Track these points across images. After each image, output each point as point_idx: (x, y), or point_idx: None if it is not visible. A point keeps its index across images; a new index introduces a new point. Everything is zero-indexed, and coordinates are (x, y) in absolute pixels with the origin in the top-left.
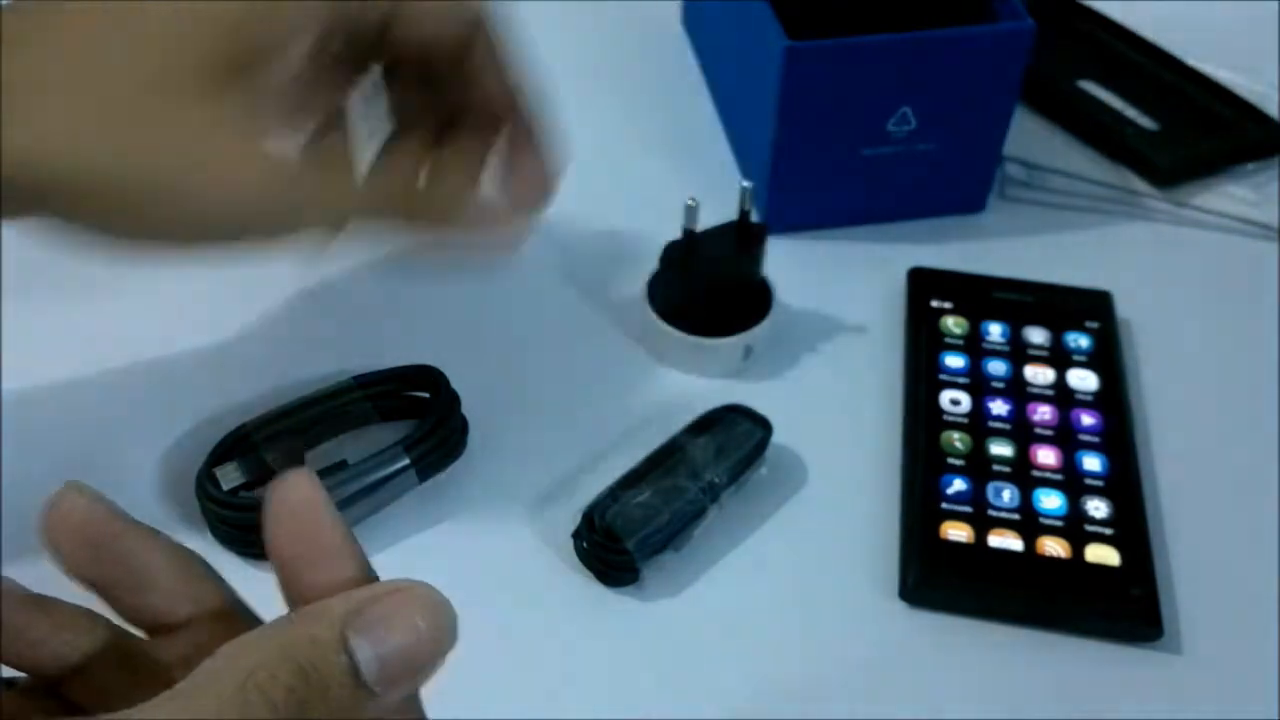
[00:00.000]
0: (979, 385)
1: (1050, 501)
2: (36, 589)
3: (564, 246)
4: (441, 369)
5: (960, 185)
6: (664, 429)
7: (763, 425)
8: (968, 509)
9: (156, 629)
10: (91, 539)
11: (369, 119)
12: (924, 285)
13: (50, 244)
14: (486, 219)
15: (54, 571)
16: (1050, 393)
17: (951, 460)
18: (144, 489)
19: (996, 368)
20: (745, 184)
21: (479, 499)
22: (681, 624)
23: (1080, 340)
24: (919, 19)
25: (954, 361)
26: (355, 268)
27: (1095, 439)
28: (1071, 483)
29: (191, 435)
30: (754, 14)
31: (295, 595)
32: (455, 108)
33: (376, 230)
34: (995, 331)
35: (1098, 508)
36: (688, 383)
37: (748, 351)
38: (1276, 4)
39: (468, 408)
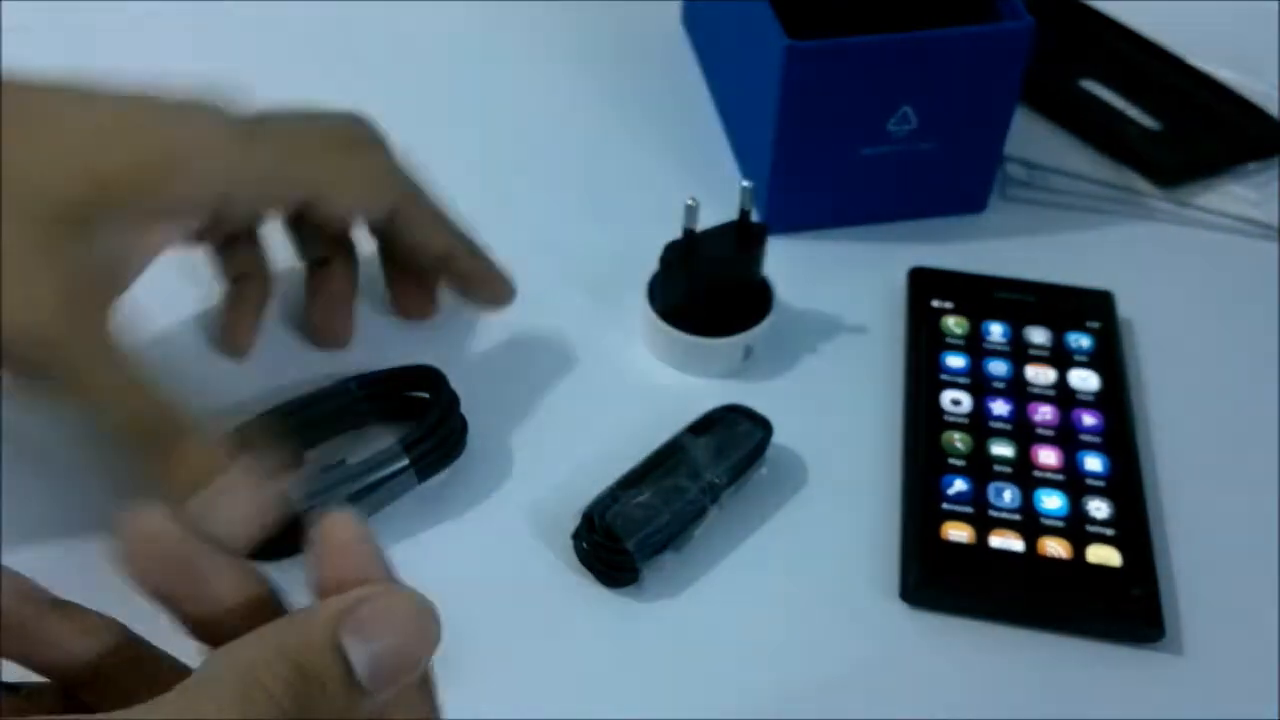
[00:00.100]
0: (980, 385)
1: (1051, 502)
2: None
3: (564, 246)
4: (441, 369)
5: (961, 185)
6: (664, 429)
7: (763, 425)
8: (968, 509)
9: (96, 694)
10: (15, 626)
11: None
12: (925, 285)
13: None
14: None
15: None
16: (1051, 393)
17: (952, 460)
18: None
19: (997, 368)
20: (745, 184)
21: (479, 499)
22: (681, 624)
23: (1081, 340)
24: (919, 19)
25: (955, 361)
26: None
27: (1096, 439)
28: (1073, 483)
29: None
30: (754, 14)
31: None
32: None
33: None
34: (996, 331)
35: (1099, 508)
36: (688, 383)
37: (748, 351)
38: (1277, 4)
39: (468, 408)
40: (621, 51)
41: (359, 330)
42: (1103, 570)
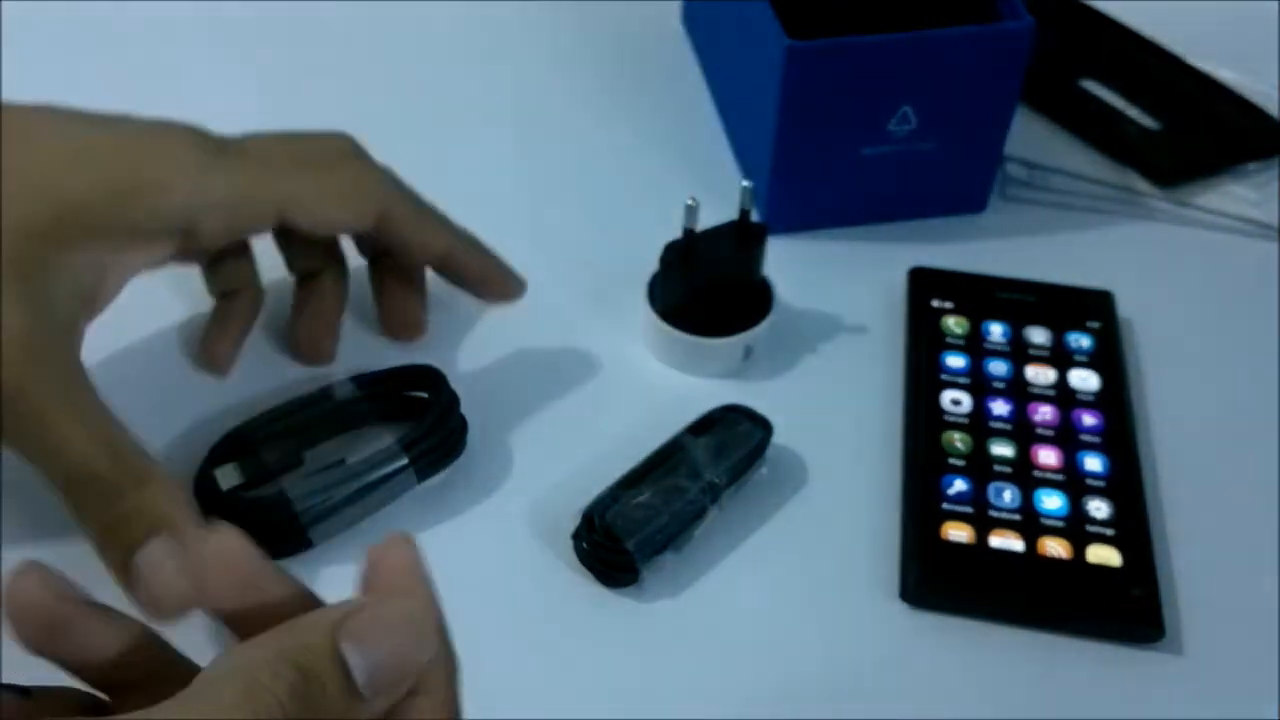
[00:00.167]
0: (980, 385)
1: (1051, 502)
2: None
3: (564, 246)
4: (441, 369)
5: (961, 185)
6: (664, 429)
7: (763, 425)
8: (968, 509)
9: (112, 692)
10: (45, 621)
11: None
12: (925, 285)
13: None
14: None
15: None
16: (1051, 393)
17: (952, 460)
18: None
19: (997, 368)
20: (745, 184)
21: (479, 499)
22: (681, 624)
23: (1081, 340)
24: (919, 19)
25: (955, 361)
26: (355, 268)
27: (1096, 439)
28: (1073, 483)
29: (189, 435)
30: (754, 14)
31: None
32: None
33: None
34: (996, 331)
35: (1099, 508)
36: (688, 383)
37: (748, 351)
38: (1277, 4)
39: (467, 408)
40: (621, 51)
41: (359, 330)
42: (1103, 570)
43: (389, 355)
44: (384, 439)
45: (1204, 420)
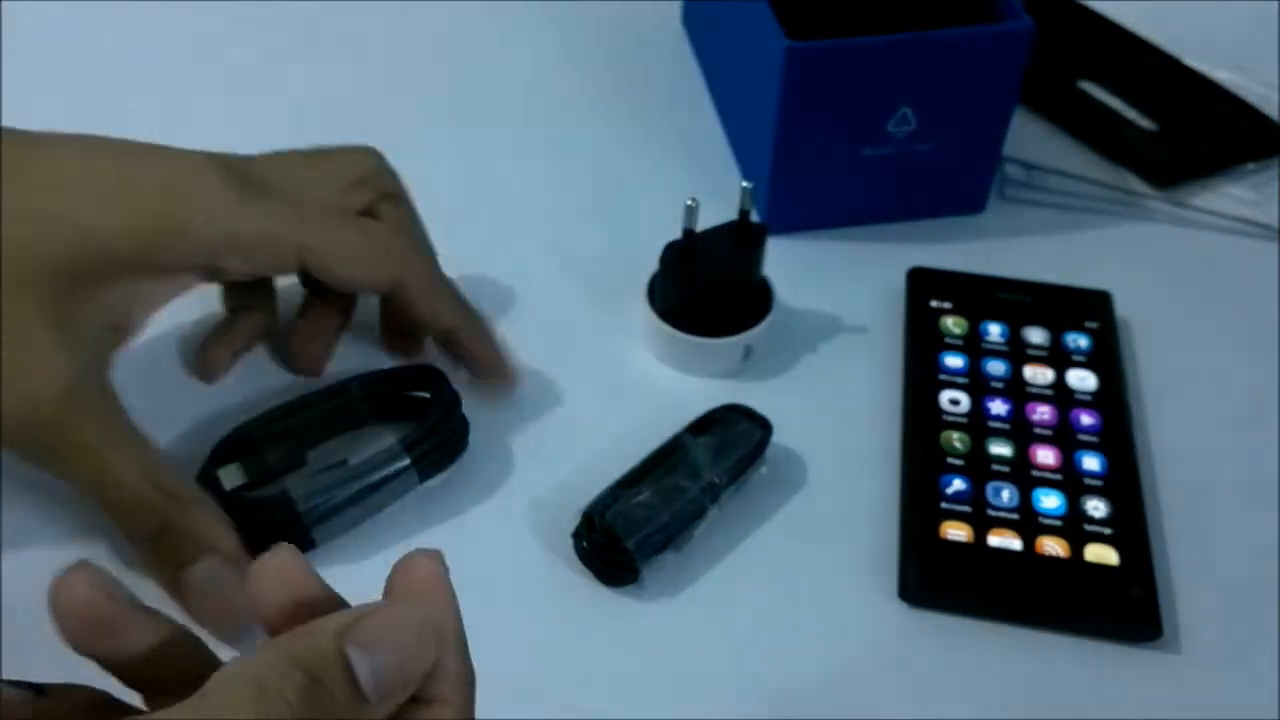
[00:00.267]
0: (978, 385)
1: (1049, 501)
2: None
3: (564, 246)
4: (441, 369)
5: (960, 185)
6: (664, 429)
7: (763, 425)
8: (967, 509)
9: (146, 691)
10: (92, 619)
11: None
12: (924, 285)
13: None
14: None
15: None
16: (1049, 393)
17: (951, 460)
18: None
19: (996, 368)
20: (745, 184)
21: (479, 499)
22: (681, 624)
23: (1079, 340)
24: (919, 19)
25: (953, 361)
26: None
27: (1094, 439)
28: (1071, 482)
29: (190, 434)
30: (754, 14)
31: None
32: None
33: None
34: (995, 331)
35: (1097, 507)
36: (688, 383)
37: (748, 351)
38: (1276, 4)
39: (467, 408)
40: (621, 51)
41: (359, 329)
42: (1100, 569)
43: (390, 355)
44: (386, 439)
45: (1201, 420)
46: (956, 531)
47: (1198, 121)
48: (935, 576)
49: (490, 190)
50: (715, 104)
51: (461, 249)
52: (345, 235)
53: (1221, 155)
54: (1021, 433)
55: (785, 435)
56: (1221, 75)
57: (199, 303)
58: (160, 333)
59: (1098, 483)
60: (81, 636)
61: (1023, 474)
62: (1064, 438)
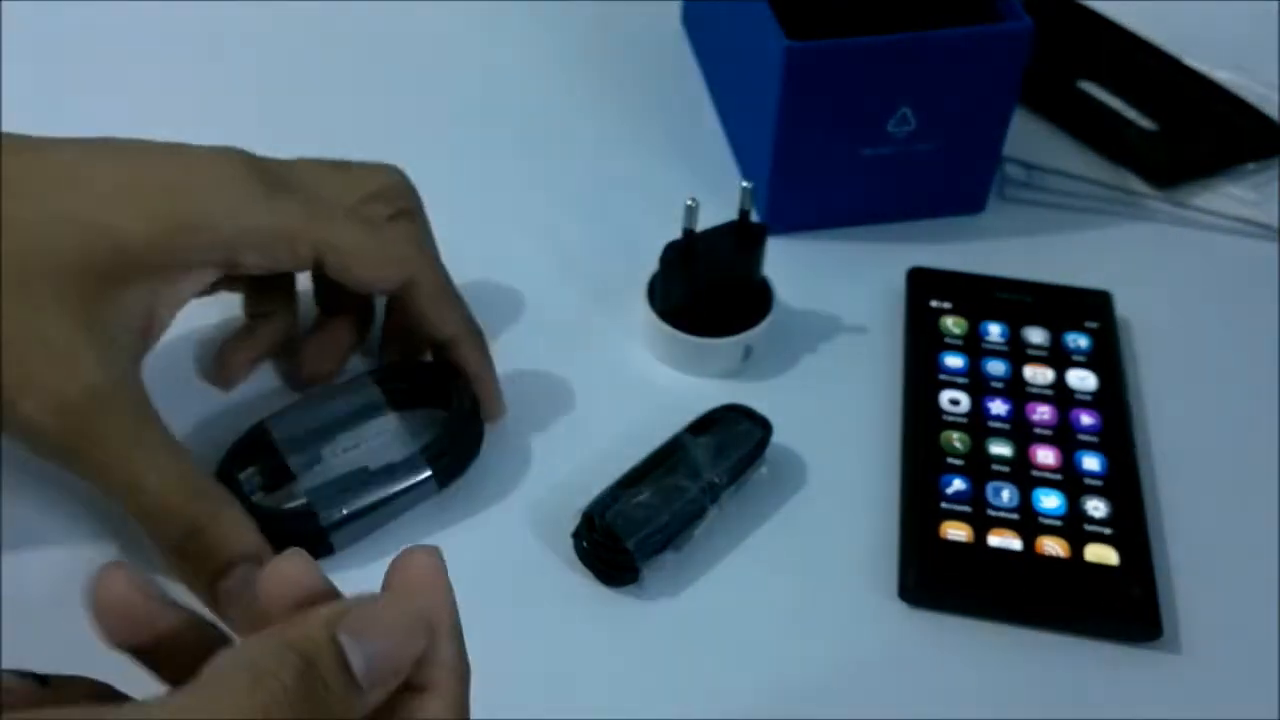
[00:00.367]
0: (978, 385)
1: (1049, 501)
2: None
3: (564, 246)
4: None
5: (960, 185)
6: (664, 429)
7: (763, 425)
8: (967, 509)
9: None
10: (131, 616)
11: None
12: (924, 285)
13: None
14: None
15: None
16: (1049, 393)
17: (951, 460)
18: None
19: (996, 368)
20: (745, 184)
21: (479, 499)
22: (681, 624)
23: (1079, 340)
24: (919, 19)
25: (953, 361)
26: None
27: (1094, 439)
28: (1071, 482)
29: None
30: (754, 14)
31: None
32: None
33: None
34: (995, 331)
35: (1097, 507)
36: (688, 383)
37: (748, 351)
38: (1276, 4)
39: None
40: (621, 51)
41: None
42: (1100, 569)
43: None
44: (401, 432)
45: (1202, 420)
46: (956, 531)
47: (1198, 121)
48: (935, 576)
49: (490, 190)
50: (715, 104)
51: (462, 249)
52: (360, 234)
53: (1221, 155)
54: (1021, 433)
55: (785, 435)
56: (1221, 75)
57: (217, 307)
58: (175, 334)
59: (1098, 483)
60: (120, 632)
61: (1023, 474)
62: (1064, 438)
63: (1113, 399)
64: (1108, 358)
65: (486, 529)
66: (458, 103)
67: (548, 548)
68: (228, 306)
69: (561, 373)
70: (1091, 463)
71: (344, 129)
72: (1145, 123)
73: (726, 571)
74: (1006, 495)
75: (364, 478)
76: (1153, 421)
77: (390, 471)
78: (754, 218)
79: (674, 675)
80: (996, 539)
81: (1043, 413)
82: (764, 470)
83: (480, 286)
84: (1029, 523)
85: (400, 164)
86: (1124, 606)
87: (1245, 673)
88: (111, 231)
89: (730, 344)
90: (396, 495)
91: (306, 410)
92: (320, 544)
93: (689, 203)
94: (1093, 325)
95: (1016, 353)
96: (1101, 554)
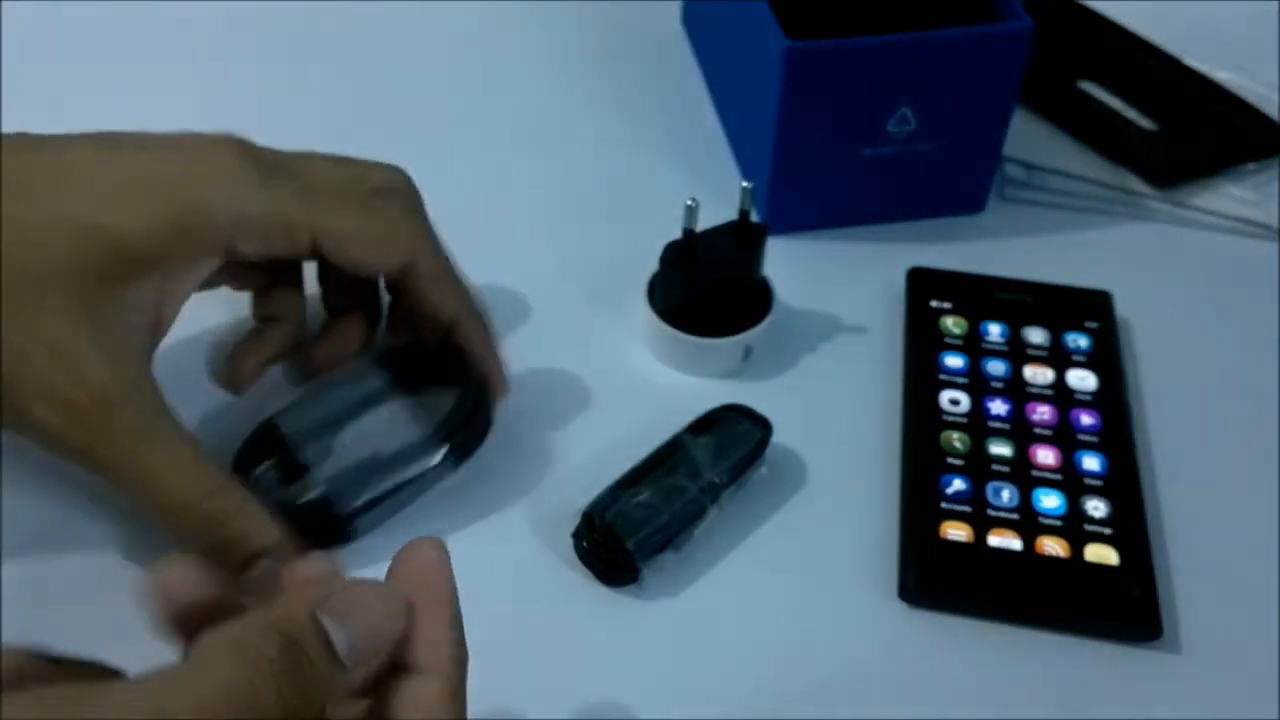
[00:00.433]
0: (978, 385)
1: (1049, 501)
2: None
3: (564, 246)
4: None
5: (960, 185)
6: (664, 429)
7: (763, 425)
8: (967, 509)
9: None
10: (194, 609)
11: None
12: (923, 285)
13: None
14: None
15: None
16: (1049, 393)
17: (951, 460)
18: None
19: (996, 368)
20: (745, 184)
21: (479, 499)
22: (681, 624)
23: (1079, 340)
24: (919, 19)
25: (953, 361)
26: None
27: (1094, 439)
28: (1071, 482)
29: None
30: (754, 14)
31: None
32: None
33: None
34: (995, 331)
35: (1097, 507)
36: (688, 383)
37: (748, 351)
38: (1276, 4)
39: None
40: (621, 51)
41: None
42: (1100, 569)
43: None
44: (410, 417)
45: (1202, 420)
46: (956, 531)
47: (1198, 121)
48: (935, 576)
49: (490, 190)
50: (715, 104)
51: (462, 249)
52: (358, 217)
53: (1221, 155)
54: (1021, 433)
55: (785, 435)
56: (1221, 75)
57: (225, 306)
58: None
59: (1098, 483)
60: (187, 625)
61: (1023, 474)
62: (1064, 438)
63: (1113, 399)
64: (1108, 358)
65: (485, 529)
66: (458, 103)
67: (548, 548)
68: (237, 306)
69: (561, 373)
70: (1091, 463)
71: (344, 129)
72: (1145, 123)
73: (726, 571)
74: (1006, 495)
75: (378, 464)
76: (1153, 421)
77: (403, 455)
78: (754, 218)
79: (674, 675)
80: (996, 539)
81: (1043, 413)
82: (764, 470)
83: (480, 287)
84: (1029, 523)
85: (400, 164)
86: (1124, 606)
87: (1245, 673)
88: (110, 231)
89: (730, 344)
90: (411, 479)
91: (315, 402)
92: (339, 533)
93: (689, 203)
94: (1093, 325)
95: (1016, 353)
96: (1101, 554)
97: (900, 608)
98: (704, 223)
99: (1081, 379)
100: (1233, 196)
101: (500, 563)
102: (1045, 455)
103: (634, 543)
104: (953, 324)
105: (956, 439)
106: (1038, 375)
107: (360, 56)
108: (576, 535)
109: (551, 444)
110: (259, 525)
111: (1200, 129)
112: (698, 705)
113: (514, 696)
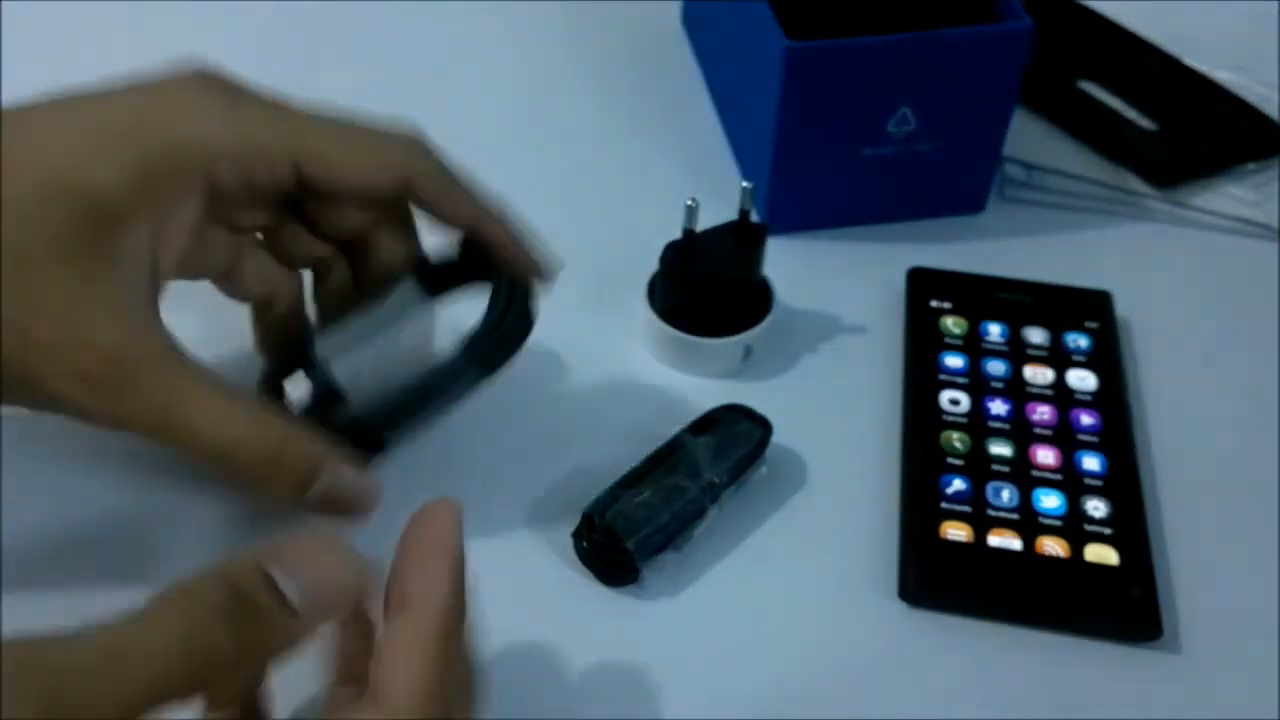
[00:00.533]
0: (978, 385)
1: (1049, 501)
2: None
3: (564, 246)
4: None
5: (960, 185)
6: (664, 429)
7: (763, 425)
8: (967, 509)
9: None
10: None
11: None
12: (923, 285)
13: None
14: None
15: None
16: (1049, 393)
17: (951, 460)
18: None
19: (996, 368)
20: (745, 184)
21: (479, 499)
22: (681, 624)
23: (1079, 340)
24: (919, 19)
25: (953, 361)
26: None
27: (1094, 439)
28: (1071, 482)
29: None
30: (754, 14)
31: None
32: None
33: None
34: (994, 331)
35: (1097, 507)
36: (688, 383)
37: (748, 351)
38: (1276, 4)
39: (467, 407)
40: (621, 51)
41: None
42: (1100, 569)
43: None
44: (439, 319)
45: (1202, 420)
46: (956, 531)
47: (1198, 121)
48: (935, 576)
49: (490, 190)
50: (715, 104)
51: None
52: (343, 131)
53: (1221, 155)
54: (1021, 433)
55: (785, 435)
56: (1221, 75)
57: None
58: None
59: (1098, 483)
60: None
61: (1023, 474)
62: (1064, 438)
63: (1113, 399)
64: (1108, 358)
65: (485, 529)
66: (457, 102)
67: (548, 548)
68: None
69: (561, 372)
70: (1091, 463)
71: None
72: (1145, 123)
73: (726, 571)
74: (1006, 495)
75: (411, 374)
76: (1153, 421)
77: (437, 365)
78: (754, 218)
79: (674, 675)
80: (996, 539)
81: (1043, 413)
82: (764, 470)
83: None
84: (1029, 523)
85: None
86: (1124, 606)
87: (1245, 673)
88: (88, 188)
89: (730, 344)
90: (445, 387)
91: (343, 320)
92: (374, 447)
93: (689, 203)
94: (1093, 325)
95: (1016, 353)
96: (1101, 554)
97: (900, 608)
98: (704, 223)
99: (1081, 379)
100: (1233, 196)
101: (500, 563)
102: (1045, 455)
103: (634, 543)
104: (953, 324)
105: (956, 439)
106: (1038, 375)
107: (359, 57)
108: (576, 535)
109: (552, 444)
110: (306, 447)
111: (1200, 129)
112: (697, 705)
113: (514, 696)
